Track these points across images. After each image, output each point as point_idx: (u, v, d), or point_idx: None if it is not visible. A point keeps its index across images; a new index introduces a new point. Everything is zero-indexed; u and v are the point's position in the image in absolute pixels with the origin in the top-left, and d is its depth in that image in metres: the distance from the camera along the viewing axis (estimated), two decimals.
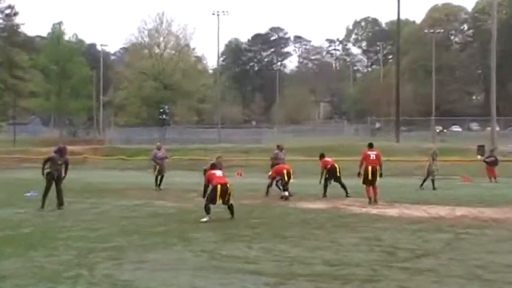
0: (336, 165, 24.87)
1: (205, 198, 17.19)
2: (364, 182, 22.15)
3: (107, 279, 9.72)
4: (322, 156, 25.52)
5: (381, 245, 12.94)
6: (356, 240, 13.65)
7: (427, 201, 22.27)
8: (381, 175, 22.24)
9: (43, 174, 20.21)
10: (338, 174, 24.64)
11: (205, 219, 16.70)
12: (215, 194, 16.88)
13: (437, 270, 10.35)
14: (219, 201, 16.98)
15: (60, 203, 19.94)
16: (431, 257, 11.63)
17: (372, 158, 22.35)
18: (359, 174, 22.48)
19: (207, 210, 16.90)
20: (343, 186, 24.33)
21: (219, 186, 16.90)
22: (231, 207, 17.28)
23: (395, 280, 9.63)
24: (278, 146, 27.26)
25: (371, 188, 21.96)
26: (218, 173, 17.68)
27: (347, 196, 23.67)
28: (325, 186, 24.41)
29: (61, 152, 20.72)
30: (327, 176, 24.63)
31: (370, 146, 23.30)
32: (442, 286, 9.34)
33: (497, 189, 28.65)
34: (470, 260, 11.29)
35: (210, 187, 17.17)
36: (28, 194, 25.13)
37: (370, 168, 22.06)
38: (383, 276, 9.93)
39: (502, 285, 9.42)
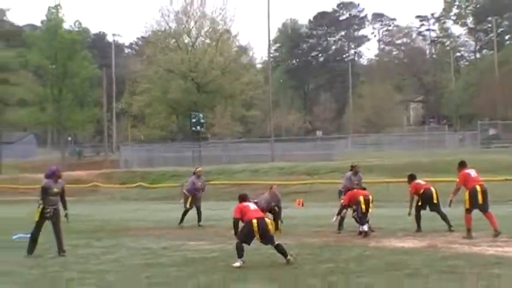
0: (432, 189, 24.61)
1: (238, 238, 17.59)
2: (471, 208, 21.76)
3: None
4: (412, 178, 25.33)
5: None
6: None
7: None
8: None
9: (41, 205, 20.40)
10: (435, 201, 24.35)
11: (237, 264, 16.97)
12: (250, 231, 17.33)
13: None
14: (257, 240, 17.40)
15: (60, 250, 19.96)
16: None
17: (473, 176, 22.10)
18: (451, 203, 22.28)
19: (239, 252, 17.21)
20: (444, 218, 24.02)
21: (254, 221, 17.33)
22: (278, 247, 17.40)
23: None
24: (352, 167, 27.13)
25: (481, 215, 21.70)
26: (252, 205, 18.30)
27: (450, 230, 23.37)
28: (418, 218, 24.37)
29: (53, 174, 20.76)
30: (420, 204, 24.52)
31: (463, 164, 22.91)
32: None
33: None
34: None
35: (244, 224, 17.65)
36: (15, 237, 25.41)
37: (478, 187, 21.72)
38: None
39: None
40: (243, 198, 18.67)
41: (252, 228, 17.23)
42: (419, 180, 25.16)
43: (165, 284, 15.34)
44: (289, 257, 17.20)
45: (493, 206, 24.81)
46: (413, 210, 24.42)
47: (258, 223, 17.29)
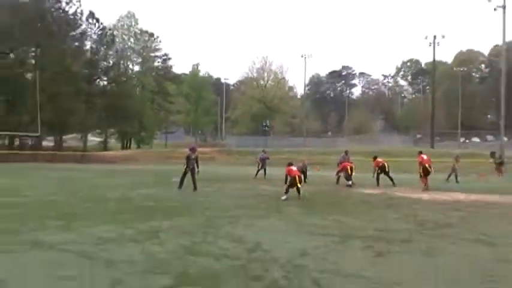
0: (385, 163, 24.67)
1: (287, 185, 17.81)
2: (424, 175, 22.10)
3: (227, 235, 10.06)
4: (375, 157, 25.16)
5: (415, 219, 12.89)
6: (398, 216, 13.64)
7: (451, 190, 21.92)
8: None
9: (185, 165, 20.99)
10: (387, 170, 24.37)
11: (284, 197, 17.07)
12: (294, 182, 17.59)
13: (453, 236, 10.35)
14: (295, 187, 17.59)
15: (195, 188, 20.23)
16: (450, 227, 11.56)
17: (425, 158, 22.50)
18: (421, 175, 22.37)
19: (287, 191, 17.40)
20: (391, 179, 24.04)
21: (296, 177, 17.70)
22: (299, 190, 17.61)
23: (424, 242, 9.68)
24: (346, 152, 27.26)
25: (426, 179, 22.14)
26: (294, 168, 18.51)
27: (394, 186, 23.43)
28: (378, 179, 24.15)
29: (193, 149, 21.39)
30: (379, 171, 24.39)
31: (421, 152, 23.81)
32: (456, 246, 9.33)
33: (502, 183, 27.93)
34: (477, 229, 11.22)
35: (289, 178, 17.88)
36: (175, 180, 25.93)
37: (427, 165, 22.13)
38: (415, 239, 9.99)
39: (499, 246, 9.38)
40: (289, 164, 18.93)
41: (295, 181, 17.61)
42: (379, 159, 24.93)
43: (246, 205, 15.68)
44: (301, 195, 17.49)
45: (411, 174, 24.97)
46: (375, 175, 24.44)
47: (298, 178, 17.75)
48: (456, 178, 28.17)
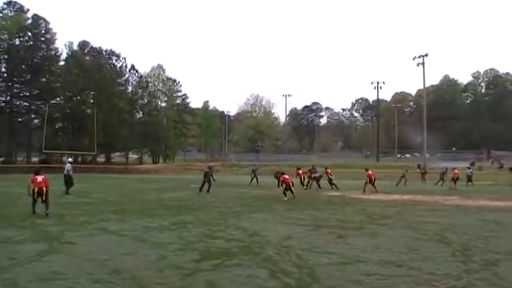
0: (373, 176, 22.73)
1: (284, 189, 17.51)
2: (370, 184, 22.05)
3: (233, 226, 10.44)
4: (366, 169, 23.30)
5: (365, 213, 13.23)
6: (353, 210, 13.97)
7: (390, 192, 21.96)
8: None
9: (204, 177, 21.15)
10: (373, 180, 22.37)
11: (286, 198, 17.05)
12: (289, 187, 17.43)
13: (391, 225, 10.71)
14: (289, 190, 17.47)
15: (208, 191, 20.34)
16: (389, 218, 11.90)
17: (370, 173, 22.53)
18: (366, 183, 22.13)
19: (285, 194, 17.32)
20: (374, 187, 22.22)
21: (290, 183, 17.55)
22: (293, 192, 17.53)
23: (371, 229, 10.06)
24: (313, 166, 26.67)
25: (370, 186, 21.97)
26: (287, 176, 18.10)
27: (376, 192, 21.57)
28: (364, 186, 22.03)
29: (210, 167, 21.95)
30: (367, 181, 22.25)
31: (367, 169, 23.26)
32: (393, 231, 9.72)
33: (426, 187, 27.84)
34: (409, 220, 11.55)
35: (285, 185, 17.66)
36: (192, 186, 25.97)
37: (373, 178, 22.34)
38: (365, 227, 10.36)
39: (425, 231, 9.59)
40: (282, 173, 18.97)
41: (289, 186, 17.39)
42: (370, 171, 22.94)
43: (246, 204, 15.84)
44: (294, 195, 17.34)
45: (361, 181, 25.37)
46: (364, 184, 22.43)
47: (291, 184, 17.58)
48: (405, 183, 28.24)
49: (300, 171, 26.47)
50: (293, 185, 17.86)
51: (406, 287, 5.57)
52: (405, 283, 5.67)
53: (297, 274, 6.05)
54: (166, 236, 8.87)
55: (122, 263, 6.56)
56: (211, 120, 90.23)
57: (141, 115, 76.86)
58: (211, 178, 21.28)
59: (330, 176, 24.35)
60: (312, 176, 24.66)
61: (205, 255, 7.19)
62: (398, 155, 78.36)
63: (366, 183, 22.29)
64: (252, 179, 29.02)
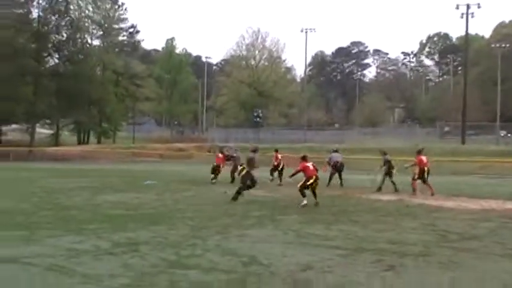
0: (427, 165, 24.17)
1: (301, 186, 18.01)
2: (419, 179, 22.77)
3: (217, 248, 10.74)
4: (419, 152, 24.21)
5: (435, 230, 13.49)
6: (415, 225, 14.25)
7: (483, 196, 22.20)
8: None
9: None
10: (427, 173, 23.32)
11: (304, 202, 17.59)
12: (309, 183, 17.98)
13: (479, 250, 10.96)
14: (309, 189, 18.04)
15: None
16: (476, 240, 12.14)
17: (422, 159, 23.07)
18: (406, 168, 23.59)
19: (304, 194, 17.84)
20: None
21: (314, 177, 18.02)
22: (315, 193, 18.14)
23: (443, 255, 10.31)
24: (335, 151, 28.16)
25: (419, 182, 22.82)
26: (310, 166, 18.51)
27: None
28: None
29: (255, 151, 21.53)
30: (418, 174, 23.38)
31: (420, 152, 23.84)
32: (481, 261, 9.95)
33: None
34: (508, 243, 11.75)
35: (306, 178, 18.11)
36: (146, 182, 26.47)
37: (426, 169, 22.85)
38: (433, 253, 10.60)
39: None
40: (304, 157, 18.96)
41: (311, 182, 18.00)
42: (423, 156, 23.54)
43: (236, 213, 16.24)
44: (317, 200, 18.08)
45: (436, 176, 25.59)
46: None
47: (315, 179, 18.11)
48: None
49: (279, 156, 28.58)
50: (317, 182, 18.33)
51: None
52: None
53: None
54: (106, 265, 9.15)
55: None
56: (178, 72, 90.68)
57: (57, 61, 76.32)
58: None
59: (391, 167, 24.67)
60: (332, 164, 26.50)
61: None
62: (503, 133, 77.27)
63: (418, 176, 23.00)
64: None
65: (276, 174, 27.98)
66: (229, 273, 8.70)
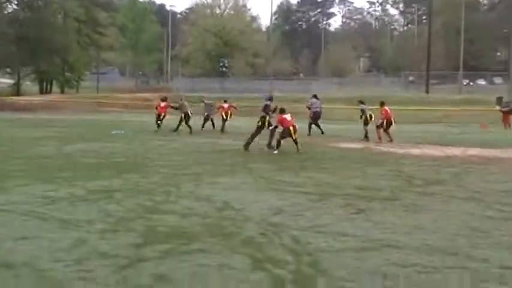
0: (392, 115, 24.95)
1: (280, 136, 18.55)
2: (383, 129, 23.73)
3: (191, 194, 11.04)
4: (382, 104, 24.80)
5: (401, 176, 13.99)
6: (382, 172, 14.70)
7: (446, 144, 22.84)
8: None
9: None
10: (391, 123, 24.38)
11: (276, 152, 18.16)
12: (288, 133, 18.44)
13: (443, 194, 11.44)
14: (290, 138, 18.54)
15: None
16: (440, 185, 12.66)
17: (386, 109, 24.06)
18: (381, 124, 23.90)
19: (279, 145, 18.37)
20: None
21: (291, 128, 18.43)
22: (296, 142, 18.60)
23: (410, 200, 10.76)
24: (314, 96, 28.71)
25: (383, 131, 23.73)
26: (288, 117, 18.86)
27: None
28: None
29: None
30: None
31: (383, 103, 24.49)
32: (444, 204, 10.39)
33: (509, 135, 28.86)
34: (471, 187, 12.27)
35: (282, 129, 18.58)
36: (114, 132, 26.63)
37: (392, 120, 23.94)
38: (399, 197, 11.06)
39: (491, 204, 10.42)
40: (282, 110, 19.23)
41: (289, 132, 18.45)
42: (387, 107, 24.51)
43: (207, 162, 16.56)
44: (299, 148, 18.57)
45: (401, 124, 26.17)
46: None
47: (293, 129, 18.54)
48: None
49: (225, 105, 30.04)
50: (296, 132, 18.72)
51: (464, 283, 6.15)
52: (462, 278, 6.25)
53: (293, 263, 6.64)
54: (82, 211, 9.39)
55: (14, 252, 6.98)
56: (143, 21, 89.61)
57: (16, 7, 74.82)
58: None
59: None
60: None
61: (150, 237, 7.74)
62: (466, 82, 78.21)
63: (381, 125, 23.95)
64: (205, 122, 29.82)
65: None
66: (204, 218, 8.99)
